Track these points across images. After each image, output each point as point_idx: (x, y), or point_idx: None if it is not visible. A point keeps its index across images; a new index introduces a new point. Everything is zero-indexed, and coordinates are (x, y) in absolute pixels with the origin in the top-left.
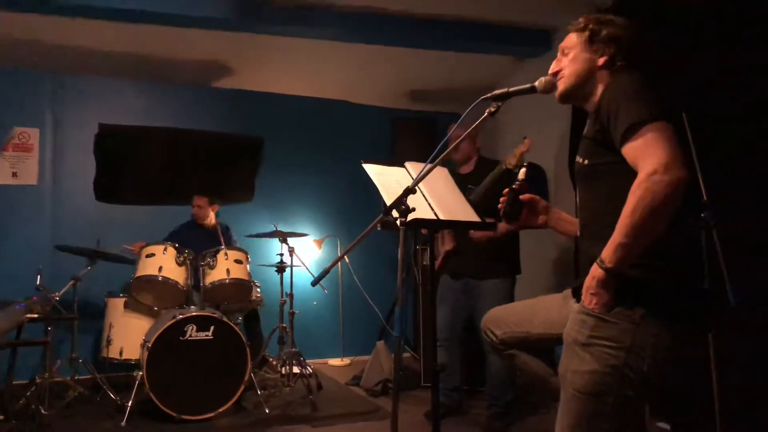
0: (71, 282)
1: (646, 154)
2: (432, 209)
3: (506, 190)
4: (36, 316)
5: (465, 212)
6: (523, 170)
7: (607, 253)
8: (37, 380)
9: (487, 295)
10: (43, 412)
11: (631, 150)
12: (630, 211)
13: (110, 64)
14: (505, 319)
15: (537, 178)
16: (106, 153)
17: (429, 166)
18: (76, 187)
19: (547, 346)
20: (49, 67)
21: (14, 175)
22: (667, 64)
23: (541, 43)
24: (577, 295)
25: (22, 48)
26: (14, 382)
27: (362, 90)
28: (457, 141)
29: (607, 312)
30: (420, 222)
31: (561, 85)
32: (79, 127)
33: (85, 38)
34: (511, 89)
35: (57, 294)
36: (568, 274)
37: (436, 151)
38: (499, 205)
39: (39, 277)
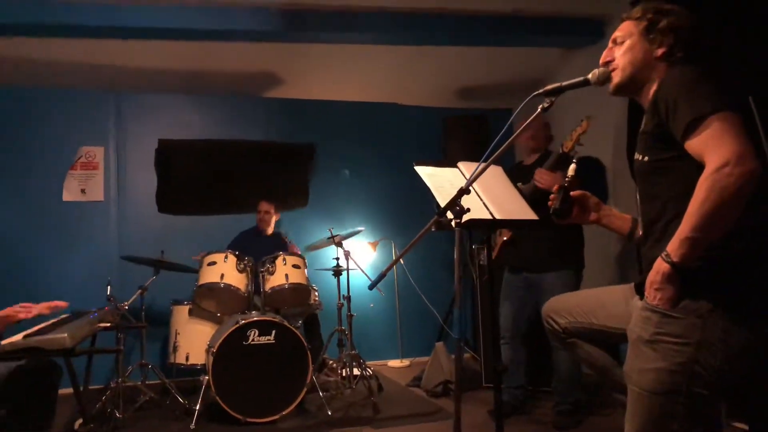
0: (138, 291)
1: (713, 147)
2: (487, 209)
3: (556, 186)
4: (108, 324)
5: (522, 210)
6: (572, 166)
7: (673, 247)
8: (112, 385)
9: (550, 289)
10: (117, 415)
11: (696, 144)
12: (699, 204)
13: (166, 81)
14: (568, 307)
15: (593, 171)
16: (166, 167)
17: (482, 165)
18: (140, 200)
19: (611, 341)
20: (110, 87)
21: (83, 192)
22: (733, 49)
23: (592, 32)
24: (640, 291)
25: (84, 71)
26: (90, 387)
27: (411, 91)
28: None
29: (672, 307)
30: (475, 222)
31: (615, 77)
32: (140, 143)
33: (141, 58)
34: (564, 83)
35: (126, 303)
36: (632, 268)
37: (489, 149)
38: (549, 203)
39: (109, 287)
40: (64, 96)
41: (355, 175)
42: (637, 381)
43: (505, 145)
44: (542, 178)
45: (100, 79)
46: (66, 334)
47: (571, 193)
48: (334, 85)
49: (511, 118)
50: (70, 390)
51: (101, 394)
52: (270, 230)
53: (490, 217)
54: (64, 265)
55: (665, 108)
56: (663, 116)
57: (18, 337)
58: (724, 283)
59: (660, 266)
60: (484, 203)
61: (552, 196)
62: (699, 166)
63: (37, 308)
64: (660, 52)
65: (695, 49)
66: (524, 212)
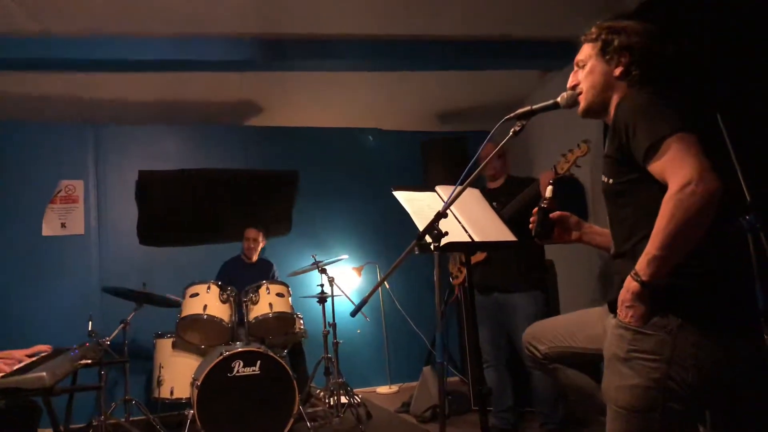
0: (121, 326)
1: (674, 168)
2: (466, 231)
3: (535, 209)
4: (89, 361)
5: (500, 232)
6: (549, 188)
7: (642, 265)
8: (94, 423)
9: (519, 310)
10: None
11: (657, 167)
12: (664, 223)
13: (144, 112)
14: (547, 333)
15: (572, 190)
16: (147, 198)
17: (459, 188)
18: (121, 233)
19: (591, 362)
20: (89, 120)
21: (63, 226)
22: (697, 67)
23: (565, 55)
24: (613, 309)
25: (62, 104)
26: (72, 426)
27: (391, 115)
28: (485, 161)
29: (643, 324)
30: (454, 245)
31: (582, 101)
32: (120, 175)
33: (119, 90)
34: (535, 107)
35: (108, 338)
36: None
37: (465, 172)
38: (530, 225)
39: (90, 322)
40: (41, 129)
41: (337, 201)
42: (614, 398)
43: (478, 169)
44: (547, 176)
45: (77, 112)
46: (45, 373)
47: (551, 214)
48: (314, 111)
49: (485, 141)
50: (50, 430)
51: None
52: (255, 258)
53: (469, 239)
54: (45, 301)
55: (624, 132)
56: (623, 140)
57: None
58: (692, 299)
59: (630, 285)
60: (462, 226)
61: (532, 218)
62: (662, 187)
63: (18, 358)
64: (617, 71)
65: (652, 66)
66: (503, 234)
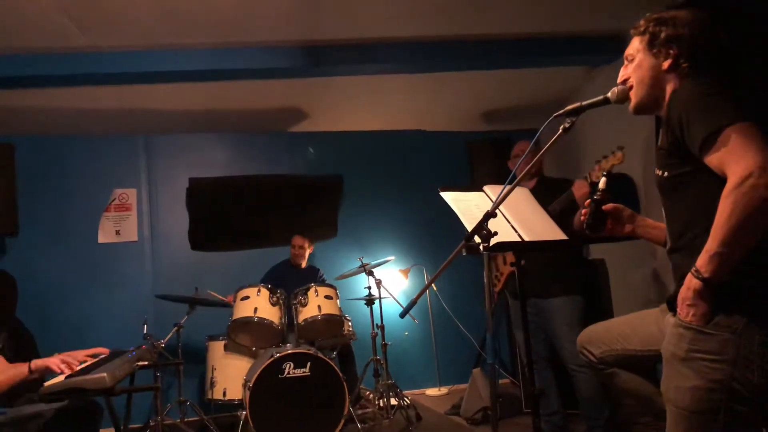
0: (174, 329)
1: (734, 160)
2: (516, 231)
3: (587, 201)
4: (146, 363)
5: (551, 231)
6: (603, 180)
7: (703, 262)
8: (151, 423)
9: (557, 315)
10: None
11: (715, 159)
12: (725, 219)
13: (193, 121)
14: (601, 336)
15: (625, 188)
16: (197, 205)
17: (508, 187)
18: (173, 239)
19: (648, 363)
20: (140, 130)
21: (117, 233)
22: (754, 55)
23: (613, 49)
24: (672, 307)
25: (114, 116)
26: (130, 426)
27: (435, 116)
28: (533, 161)
29: (705, 324)
30: (504, 245)
31: (632, 97)
32: (171, 183)
33: (168, 100)
34: (584, 103)
35: (162, 341)
36: (666, 288)
37: (514, 170)
38: (582, 217)
39: (145, 326)
40: (96, 142)
41: (383, 204)
42: (674, 399)
43: (528, 166)
44: (579, 186)
45: (129, 123)
46: (106, 374)
47: (603, 206)
48: (358, 115)
49: (534, 138)
50: (110, 430)
51: None
52: (304, 263)
53: (518, 239)
54: (102, 306)
55: (678, 124)
56: (677, 132)
57: (59, 379)
58: (759, 297)
59: (691, 282)
60: (512, 225)
61: (584, 210)
62: (720, 179)
63: (78, 360)
64: (666, 65)
65: (702, 57)
66: (554, 233)
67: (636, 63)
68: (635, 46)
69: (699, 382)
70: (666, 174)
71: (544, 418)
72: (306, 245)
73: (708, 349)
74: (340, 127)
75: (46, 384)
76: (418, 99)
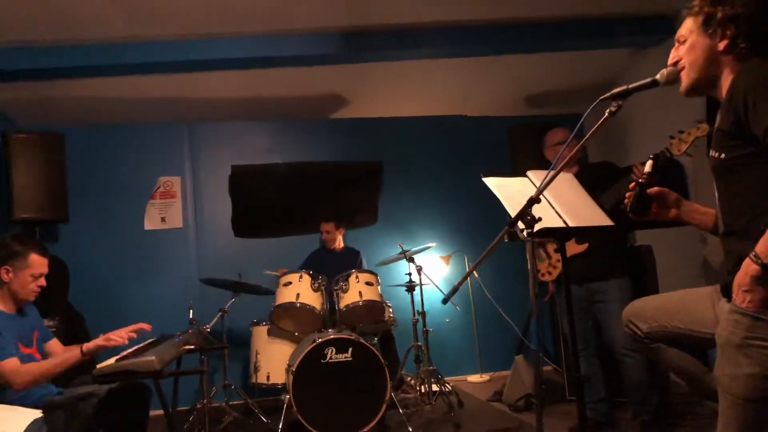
0: (219, 314)
1: None
2: (560, 217)
3: (632, 184)
4: (192, 347)
5: (597, 216)
6: (649, 162)
7: (762, 247)
8: (197, 406)
9: (613, 297)
10: None
11: None
12: None
13: (235, 109)
14: (650, 311)
15: (673, 173)
16: (240, 192)
17: (552, 173)
18: (216, 226)
19: (698, 345)
20: (183, 118)
21: (163, 220)
22: None
23: (661, 30)
24: (727, 293)
25: (158, 105)
26: (177, 408)
27: (477, 101)
28: (578, 146)
29: (763, 310)
30: (548, 231)
31: (684, 78)
32: (214, 170)
33: (210, 89)
34: (631, 86)
35: (208, 326)
36: (714, 271)
37: (558, 156)
38: (626, 200)
39: (191, 311)
40: (141, 130)
41: (423, 190)
42: (729, 387)
43: (574, 151)
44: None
45: (174, 111)
46: (154, 357)
47: (649, 190)
48: (399, 101)
49: (579, 123)
50: (158, 411)
51: (188, 415)
52: (339, 246)
53: (563, 225)
54: (148, 291)
55: (743, 107)
56: (741, 115)
57: (110, 361)
58: None
59: (749, 268)
60: (556, 211)
61: (628, 194)
62: None
63: (123, 336)
64: (722, 45)
65: (761, 37)
66: (599, 218)
67: (689, 44)
68: (688, 26)
69: (755, 370)
70: (723, 156)
71: (589, 406)
72: (332, 228)
73: (765, 336)
74: (380, 113)
75: (99, 366)
76: (459, 84)
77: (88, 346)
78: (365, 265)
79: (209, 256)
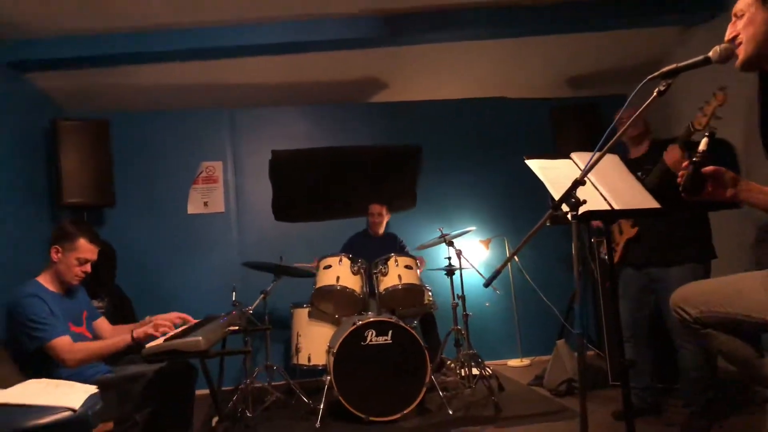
0: (261, 296)
1: None
2: (605, 199)
3: (686, 162)
4: (236, 328)
5: (643, 198)
6: (704, 140)
7: None
8: (240, 386)
9: (673, 285)
10: (248, 414)
11: None
12: None
13: (275, 94)
14: (700, 296)
15: (724, 155)
16: (280, 177)
17: (597, 154)
18: (257, 210)
19: (750, 331)
20: (225, 105)
21: (205, 204)
22: None
23: (710, 6)
24: None
25: (200, 91)
26: (222, 388)
27: (518, 83)
28: (626, 125)
29: None
30: (593, 214)
31: (741, 53)
32: (255, 155)
33: (251, 74)
34: (681, 64)
35: (250, 308)
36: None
37: (604, 137)
38: (679, 179)
39: (234, 293)
40: (183, 116)
41: (463, 174)
42: None
43: (620, 132)
44: (670, 152)
45: (215, 98)
46: (201, 338)
47: (703, 169)
48: (438, 84)
49: (626, 103)
50: (203, 391)
51: (231, 394)
52: (382, 231)
53: (608, 207)
54: (192, 274)
55: None
56: None
57: (159, 341)
58: None
59: None
60: (601, 194)
61: (681, 172)
62: None
63: (173, 317)
64: None
65: None
66: (645, 200)
67: (747, 18)
68: (746, 0)
69: None
70: None
71: (633, 392)
72: (384, 212)
73: None
74: (419, 97)
75: (148, 345)
76: (499, 66)
77: (138, 333)
78: (405, 249)
79: (250, 239)
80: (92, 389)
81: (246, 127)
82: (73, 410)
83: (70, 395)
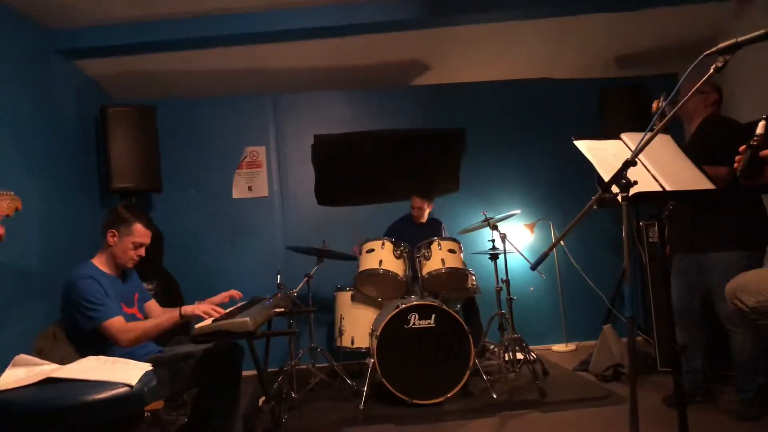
0: (305, 279)
1: None
2: (657, 180)
3: (743, 147)
4: (282, 310)
5: (697, 180)
6: (762, 123)
7: None
8: (285, 368)
9: (720, 270)
10: (293, 395)
11: None
12: None
13: (318, 79)
14: (756, 285)
15: None
16: (322, 161)
17: (649, 134)
18: (300, 194)
19: None
20: (269, 90)
21: (249, 189)
22: None
23: None
24: None
25: (245, 76)
26: (267, 369)
27: (564, 64)
28: (682, 101)
29: None
30: (644, 195)
31: None
32: (298, 140)
33: (293, 59)
34: (740, 39)
35: (295, 290)
36: None
37: (655, 117)
38: (735, 164)
39: (278, 276)
40: (227, 102)
41: (507, 156)
42: None
43: (673, 111)
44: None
45: (258, 83)
46: (248, 318)
47: (761, 152)
48: (481, 66)
49: (679, 82)
50: (249, 372)
51: (277, 375)
52: (424, 220)
53: (660, 189)
54: (237, 257)
55: None
56: None
57: (208, 322)
58: None
59: None
60: (652, 175)
61: (738, 157)
62: None
63: (218, 301)
64: None
65: None
66: (699, 182)
67: None
68: None
69: None
70: None
71: (684, 376)
72: (425, 206)
73: None
74: (462, 78)
75: (197, 326)
76: (544, 46)
77: (186, 310)
78: (447, 235)
79: (294, 223)
80: (147, 366)
81: (289, 111)
82: (130, 386)
83: (127, 372)
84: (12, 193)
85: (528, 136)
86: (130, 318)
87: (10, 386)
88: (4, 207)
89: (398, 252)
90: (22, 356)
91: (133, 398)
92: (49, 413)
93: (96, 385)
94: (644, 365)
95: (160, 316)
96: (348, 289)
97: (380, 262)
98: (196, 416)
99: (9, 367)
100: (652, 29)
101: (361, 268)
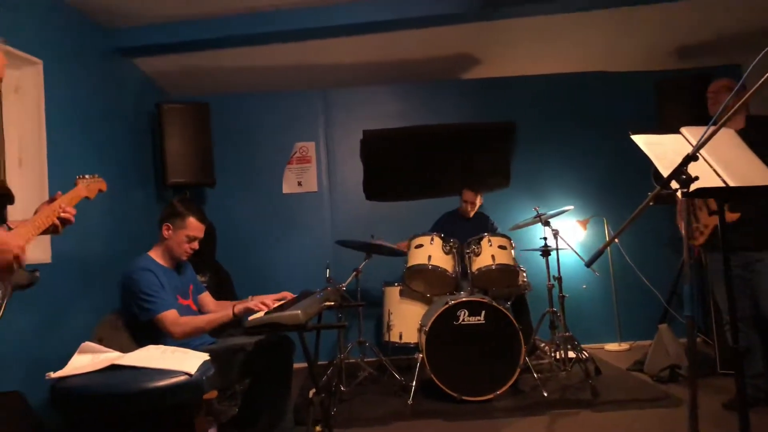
0: (353, 274)
1: None
2: (719, 176)
3: None
4: (332, 303)
5: (762, 175)
6: None
7: None
8: (335, 362)
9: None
10: (342, 388)
11: None
12: None
13: (367, 74)
14: None
15: None
16: (371, 156)
17: (712, 129)
18: (349, 189)
19: None
20: (318, 86)
21: (299, 184)
22: None
23: None
24: None
25: (295, 72)
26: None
27: (619, 56)
28: (742, 100)
29: None
30: (706, 191)
31: None
32: (347, 135)
33: (343, 54)
34: None
35: (343, 285)
36: None
37: (720, 110)
38: None
39: (327, 270)
40: (278, 98)
41: (559, 151)
42: None
43: (738, 105)
44: None
45: (308, 79)
46: (300, 311)
47: None
48: (532, 59)
49: (745, 74)
50: (300, 364)
51: (326, 369)
52: (472, 215)
53: (722, 184)
54: (287, 251)
55: None
56: None
57: (260, 314)
58: None
59: None
60: (714, 170)
61: None
62: None
63: (270, 302)
64: None
65: None
66: (765, 177)
67: None
68: None
69: None
70: None
71: (746, 380)
72: (476, 200)
73: None
74: (513, 72)
75: (250, 318)
76: (599, 38)
77: (238, 307)
78: (496, 229)
79: (343, 218)
80: (205, 356)
81: (338, 107)
82: (189, 375)
83: (186, 361)
84: (96, 175)
85: (581, 130)
86: (184, 309)
87: (77, 372)
88: (83, 189)
89: (447, 248)
90: (88, 343)
91: (192, 386)
92: (113, 398)
93: (157, 373)
94: (703, 367)
95: (213, 311)
96: (396, 284)
97: (429, 257)
98: (248, 407)
99: (76, 353)
100: (715, 18)
101: (410, 264)
